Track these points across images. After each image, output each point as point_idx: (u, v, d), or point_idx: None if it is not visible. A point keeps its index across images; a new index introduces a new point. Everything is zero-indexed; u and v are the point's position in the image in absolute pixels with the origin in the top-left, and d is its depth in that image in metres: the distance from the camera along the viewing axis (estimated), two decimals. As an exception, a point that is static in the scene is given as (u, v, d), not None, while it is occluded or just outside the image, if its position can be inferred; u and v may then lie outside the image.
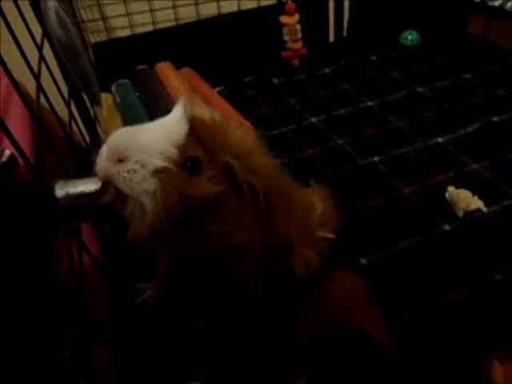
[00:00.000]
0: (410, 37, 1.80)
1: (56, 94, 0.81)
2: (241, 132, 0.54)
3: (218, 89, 1.63)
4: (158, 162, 0.46)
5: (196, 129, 0.50)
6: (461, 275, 0.96)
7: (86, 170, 0.54)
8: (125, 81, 1.08)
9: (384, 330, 0.70)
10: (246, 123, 0.91)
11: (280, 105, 1.60)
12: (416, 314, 0.89)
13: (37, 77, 0.58)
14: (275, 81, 1.72)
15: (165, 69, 1.09)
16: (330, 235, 0.69)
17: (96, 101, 0.88)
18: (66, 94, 0.85)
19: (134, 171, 0.46)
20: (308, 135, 1.43)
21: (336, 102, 1.56)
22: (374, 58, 1.81)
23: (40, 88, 0.57)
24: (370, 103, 1.54)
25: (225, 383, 0.72)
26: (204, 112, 0.54)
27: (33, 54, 0.69)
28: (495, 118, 1.40)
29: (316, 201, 0.71)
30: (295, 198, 0.63)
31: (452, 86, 1.59)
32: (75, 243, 0.60)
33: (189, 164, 0.48)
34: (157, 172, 0.46)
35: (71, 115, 0.78)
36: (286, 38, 1.74)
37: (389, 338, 0.69)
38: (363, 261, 1.02)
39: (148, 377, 0.74)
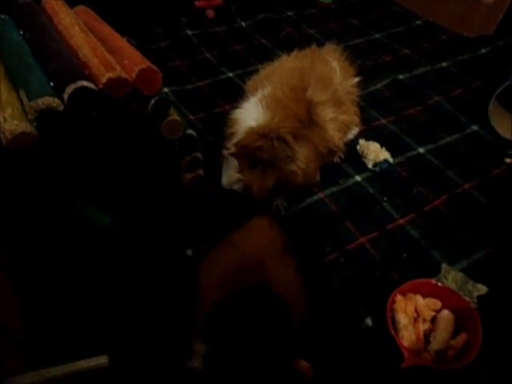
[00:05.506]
0: (325, -6, 1.80)
1: None
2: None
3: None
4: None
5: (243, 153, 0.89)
6: (369, 221, 1.02)
7: None
8: (3, 16, 0.91)
9: (294, 277, 0.71)
10: (155, 68, 0.82)
11: (195, 58, 1.50)
12: (330, 258, 0.93)
13: None
14: (189, 32, 1.61)
15: (54, 5, 0.93)
16: None
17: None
18: None
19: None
20: (225, 90, 1.37)
21: (253, 57, 1.52)
22: (290, 13, 1.78)
23: None
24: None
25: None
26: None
27: None
28: (401, 76, 1.47)
29: None
30: None
31: (363, 45, 1.64)
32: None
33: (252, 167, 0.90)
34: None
35: None
36: (199, -15, 1.62)
37: (298, 284, 0.71)
38: (282, 212, 1.03)
39: None
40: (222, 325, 0.58)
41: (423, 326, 0.79)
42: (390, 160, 1.15)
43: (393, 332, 0.76)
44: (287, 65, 1.05)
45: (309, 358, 0.65)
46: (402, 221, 1.03)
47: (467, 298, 0.84)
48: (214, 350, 0.56)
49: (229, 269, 0.67)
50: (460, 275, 0.89)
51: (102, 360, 0.54)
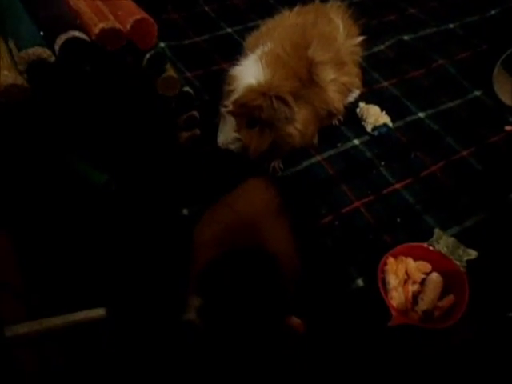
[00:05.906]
0: None
1: None
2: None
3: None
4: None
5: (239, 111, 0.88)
6: (365, 185, 1.02)
7: None
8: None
9: (288, 238, 0.72)
10: (151, 19, 0.78)
11: (192, 11, 1.44)
12: (325, 221, 0.95)
13: None
14: (186, -17, 1.52)
15: None
16: None
17: None
18: None
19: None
20: (223, 46, 1.32)
21: (253, 12, 1.45)
22: (293, -35, 1.69)
23: None
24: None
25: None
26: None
27: None
28: (406, 37, 1.42)
29: None
30: None
31: (368, 2, 1.56)
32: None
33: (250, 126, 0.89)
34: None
35: None
36: None
37: (292, 245, 0.72)
38: (279, 173, 1.03)
39: None
40: (216, 280, 0.59)
41: (412, 288, 0.81)
42: (390, 124, 1.13)
43: (382, 292, 0.78)
44: (289, 21, 1.01)
45: (300, 315, 0.68)
46: (397, 185, 1.03)
47: (457, 262, 0.86)
48: (208, 303, 0.58)
49: (224, 228, 0.68)
50: (451, 240, 0.90)
51: (99, 312, 0.55)
